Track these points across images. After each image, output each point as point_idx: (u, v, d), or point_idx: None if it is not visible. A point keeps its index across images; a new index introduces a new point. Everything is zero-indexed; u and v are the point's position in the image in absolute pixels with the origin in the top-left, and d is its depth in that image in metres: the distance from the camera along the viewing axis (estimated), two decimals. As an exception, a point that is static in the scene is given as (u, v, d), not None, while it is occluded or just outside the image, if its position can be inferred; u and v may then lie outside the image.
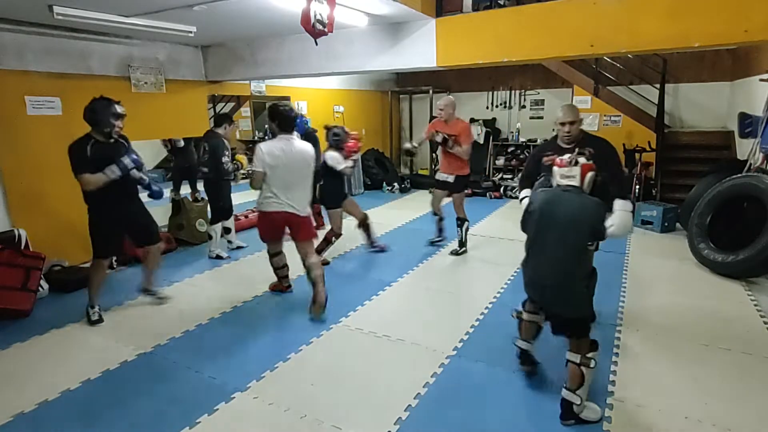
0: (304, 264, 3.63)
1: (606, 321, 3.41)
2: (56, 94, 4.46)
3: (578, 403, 2.28)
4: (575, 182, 2.29)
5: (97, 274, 3.55)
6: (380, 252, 5.09)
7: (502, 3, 4.34)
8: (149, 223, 3.66)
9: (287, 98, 7.41)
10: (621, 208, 2.54)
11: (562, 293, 2.29)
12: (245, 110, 10.91)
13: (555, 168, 2.40)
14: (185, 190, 7.12)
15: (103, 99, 3.29)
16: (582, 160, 2.29)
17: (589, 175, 2.29)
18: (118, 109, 3.33)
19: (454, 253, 5.03)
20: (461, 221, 4.98)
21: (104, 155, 3.23)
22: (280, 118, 3.45)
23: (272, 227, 3.64)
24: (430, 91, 8.89)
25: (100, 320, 3.54)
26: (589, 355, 2.30)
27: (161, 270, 3.92)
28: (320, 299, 3.52)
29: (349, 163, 4.51)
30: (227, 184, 4.97)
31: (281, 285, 4.04)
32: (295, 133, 3.63)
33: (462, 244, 5.05)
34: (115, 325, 3.55)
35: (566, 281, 2.27)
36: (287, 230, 3.64)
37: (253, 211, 6.03)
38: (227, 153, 4.81)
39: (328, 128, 4.68)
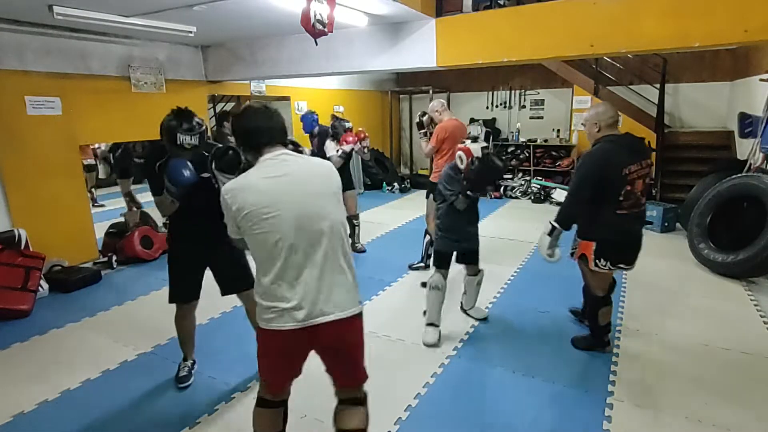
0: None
1: (606, 321, 3.42)
2: (56, 94, 4.46)
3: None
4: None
5: (182, 322, 2.78)
6: None
7: (502, 3, 4.34)
8: (235, 267, 2.76)
9: (287, 98, 7.41)
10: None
11: None
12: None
13: None
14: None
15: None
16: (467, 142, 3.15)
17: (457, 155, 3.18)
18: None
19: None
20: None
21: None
22: (240, 131, 1.79)
23: (284, 358, 1.87)
24: (430, 91, 8.88)
25: (189, 377, 2.80)
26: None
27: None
28: None
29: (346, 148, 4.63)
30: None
31: None
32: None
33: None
34: (115, 325, 3.56)
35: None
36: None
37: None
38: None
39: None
